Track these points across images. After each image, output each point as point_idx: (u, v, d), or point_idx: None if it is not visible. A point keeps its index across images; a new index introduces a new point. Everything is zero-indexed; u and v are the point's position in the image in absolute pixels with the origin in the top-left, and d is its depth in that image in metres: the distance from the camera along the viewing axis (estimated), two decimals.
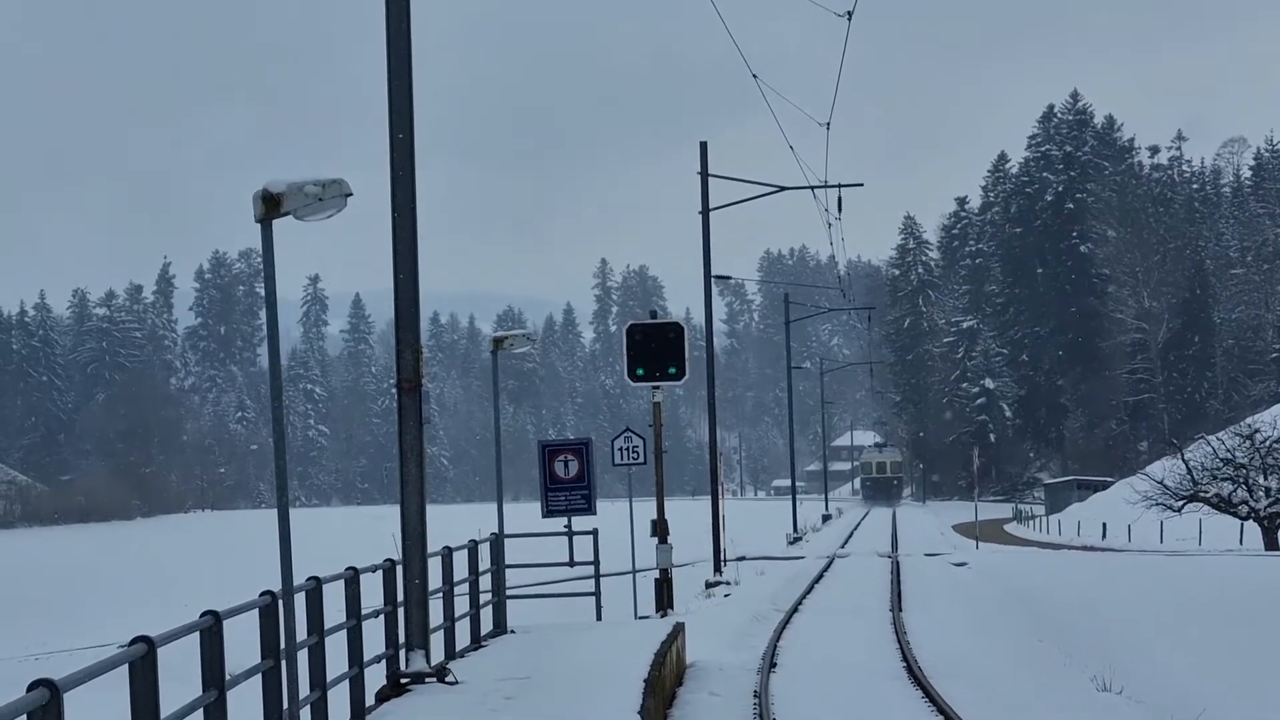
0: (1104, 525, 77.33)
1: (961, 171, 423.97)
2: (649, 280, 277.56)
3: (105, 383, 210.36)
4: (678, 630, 21.63)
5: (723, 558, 44.08)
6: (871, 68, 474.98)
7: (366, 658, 15.06)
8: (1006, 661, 23.28)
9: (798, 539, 73.20)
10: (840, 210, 48.95)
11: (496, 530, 22.85)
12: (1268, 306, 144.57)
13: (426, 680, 16.11)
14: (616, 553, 35.50)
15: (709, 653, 23.84)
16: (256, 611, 11.95)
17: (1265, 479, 59.17)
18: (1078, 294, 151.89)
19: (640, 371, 29.46)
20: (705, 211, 45.17)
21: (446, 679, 16.21)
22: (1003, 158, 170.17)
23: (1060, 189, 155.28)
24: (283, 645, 12.18)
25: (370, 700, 15.32)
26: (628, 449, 31.26)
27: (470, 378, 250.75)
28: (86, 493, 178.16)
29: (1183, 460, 62.74)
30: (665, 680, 18.70)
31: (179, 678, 11.62)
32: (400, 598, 16.46)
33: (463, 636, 20.16)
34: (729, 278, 61.32)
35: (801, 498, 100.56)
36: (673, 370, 29.37)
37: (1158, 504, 62.40)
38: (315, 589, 13.35)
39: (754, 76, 34.49)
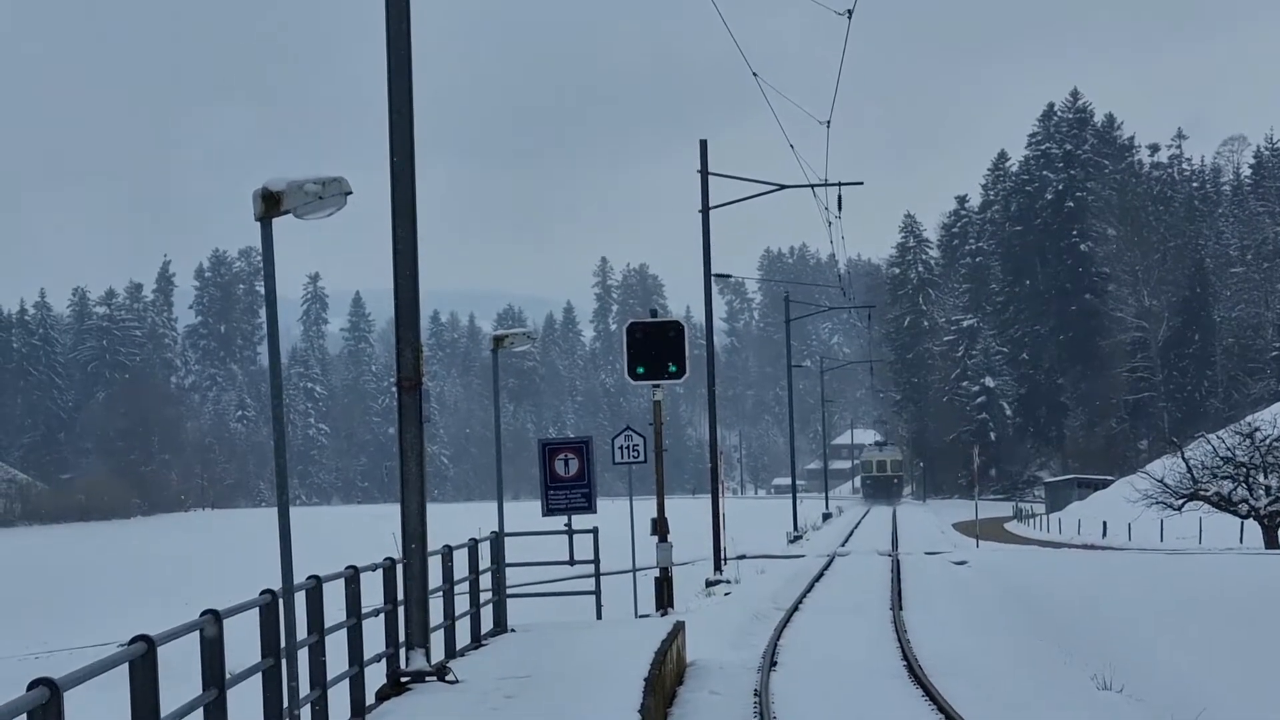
0: (1104, 524, 77.36)
1: (961, 170, 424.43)
2: (649, 279, 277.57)
3: (105, 381, 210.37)
4: (678, 629, 21.63)
5: (723, 556, 44.08)
6: (872, 66, 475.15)
7: (367, 656, 15.06)
8: (1007, 660, 23.27)
9: (798, 537, 73.21)
10: (840, 209, 48.95)
11: (497, 529, 22.85)
12: (1268, 305, 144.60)
13: (427, 679, 16.11)
14: (617, 551, 35.50)
15: (709, 651, 23.84)
16: (257, 610, 11.94)
17: (1265, 477, 59.19)
18: (1078, 292, 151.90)
19: (640, 370, 29.46)
20: (705, 210, 45.16)
21: (447, 678, 16.21)
22: (1003, 156, 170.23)
23: (1060, 187, 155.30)
24: (283, 644, 12.17)
25: (370, 699, 15.31)
26: (628, 447, 31.25)
27: (470, 376, 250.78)
28: (87, 491, 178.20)
29: (1183, 459, 62.76)
30: (665, 679, 18.70)
31: (179, 677, 11.62)
32: (400, 596, 16.46)
33: (463, 635, 20.16)
34: (729, 276, 61.33)
35: (802, 496, 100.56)
36: (673, 369, 29.36)
37: (1158, 502, 62.42)
38: (315, 588, 13.34)
39: (754, 75, 34.49)
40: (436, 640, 17.70)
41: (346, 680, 14.55)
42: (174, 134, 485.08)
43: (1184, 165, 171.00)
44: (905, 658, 23.05)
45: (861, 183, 48.79)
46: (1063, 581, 38.88)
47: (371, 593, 15.46)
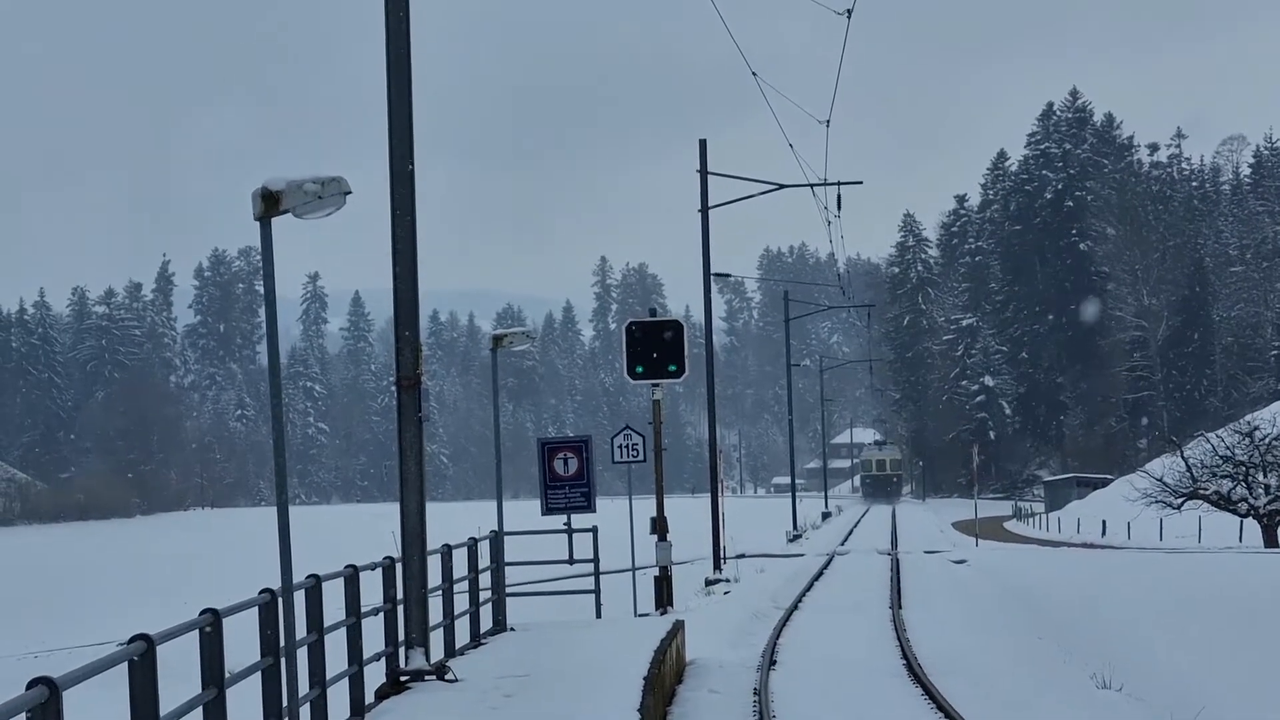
0: (1103, 523, 77.37)
1: (961, 170, 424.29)
2: (648, 278, 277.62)
3: (105, 380, 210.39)
4: (677, 628, 21.64)
5: (722, 555, 44.08)
6: (872, 66, 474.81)
7: (366, 655, 15.06)
8: (1006, 659, 23.28)
9: (797, 536, 73.20)
10: (840, 208, 48.96)
11: (496, 528, 22.85)
12: (1267, 304, 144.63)
13: (426, 678, 16.11)
14: (616, 550, 35.51)
15: (709, 650, 23.84)
16: (256, 609, 11.94)
17: (1264, 476, 59.22)
18: (1077, 291, 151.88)
19: (640, 369, 29.46)
20: (704, 209, 45.18)
21: (446, 677, 16.21)
22: (1002, 155, 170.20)
23: (1060, 187, 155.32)
24: (282, 643, 12.17)
25: (370, 698, 15.32)
26: (627, 446, 31.27)
27: (470, 375, 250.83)
28: (86, 490, 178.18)
29: (1182, 458, 62.79)
30: (665, 678, 18.70)
31: (178, 676, 11.62)
32: (400, 595, 16.47)
33: (462, 634, 20.16)
34: (728, 275, 61.31)
35: (801, 495, 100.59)
36: (672, 368, 29.37)
37: (1157, 501, 62.46)
38: (315, 587, 13.34)
39: (753, 74, 34.51)
40: (436, 639, 17.70)
41: (346, 679, 14.55)
42: (174, 134, 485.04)
43: (1183, 165, 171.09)
44: (904, 656, 23.05)
45: (861, 182, 48.80)
46: (1062, 580, 38.89)
47: (371, 592, 15.46)
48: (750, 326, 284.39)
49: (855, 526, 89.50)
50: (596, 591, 26.61)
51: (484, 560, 21.78)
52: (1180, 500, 61.61)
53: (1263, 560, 44.44)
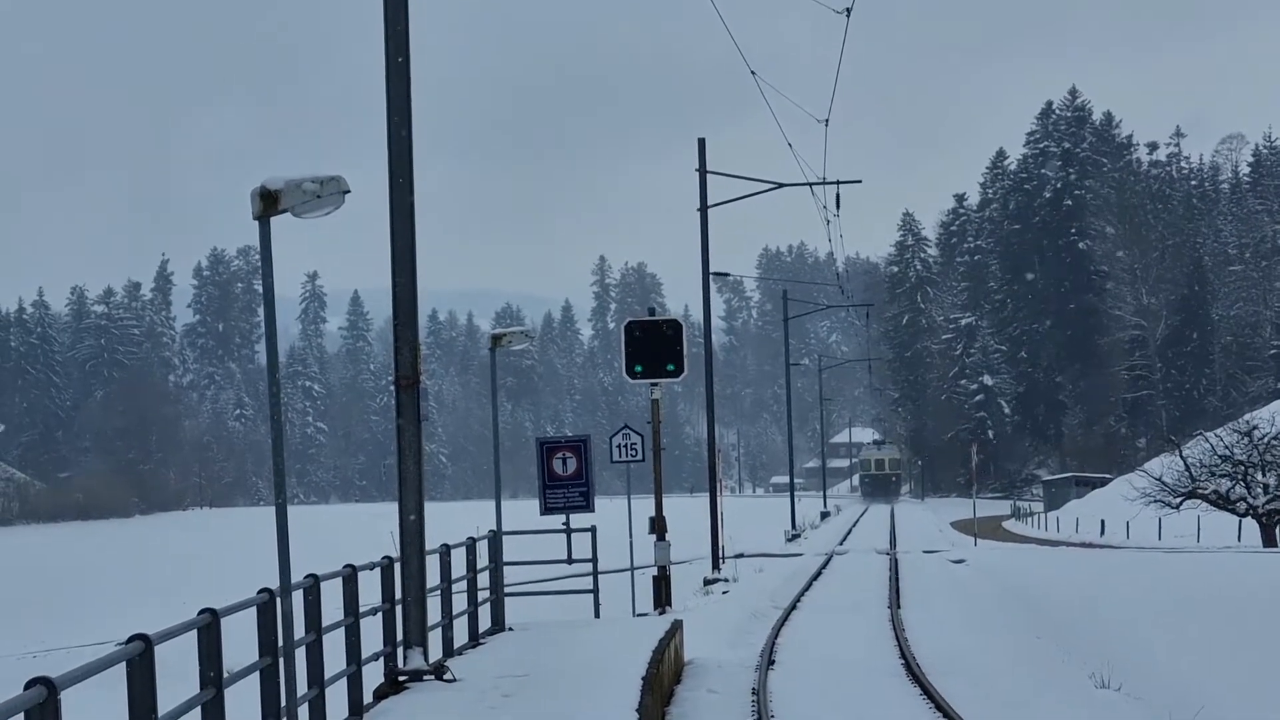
0: (1102, 522, 77.38)
1: (960, 169, 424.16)
2: (647, 277, 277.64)
3: (104, 380, 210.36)
4: (676, 627, 21.64)
5: (721, 555, 44.10)
6: (871, 65, 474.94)
7: (365, 655, 15.05)
8: (1005, 658, 23.27)
9: (796, 536, 73.22)
10: (839, 207, 48.95)
11: (495, 527, 22.85)
12: (1266, 303, 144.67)
13: (425, 678, 16.11)
14: (615, 550, 35.52)
15: (707, 650, 23.84)
16: (254, 609, 11.93)
17: (1263, 476, 59.23)
18: (1076, 291, 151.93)
19: (639, 369, 29.47)
20: (703, 208, 45.19)
21: (445, 677, 16.21)
22: (1001, 154, 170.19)
23: (1059, 186, 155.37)
24: (281, 643, 12.17)
25: (368, 698, 15.31)
26: (626, 446, 31.27)
27: (469, 375, 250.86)
28: (85, 490, 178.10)
29: (1181, 457, 62.80)
30: (663, 678, 18.70)
31: (176, 676, 11.62)
32: (398, 595, 16.47)
33: (461, 634, 20.16)
34: (727, 275, 61.35)
35: (800, 495, 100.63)
36: (671, 367, 29.38)
37: (1156, 501, 62.47)
38: (313, 587, 13.34)
39: (753, 74, 34.53)
40: (434, 639, 17.70)
41: (344, 679, 14.54)
42: (174, 134, 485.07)
43: (1182, 164, 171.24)
44: (903, 656, 23.05)
45: (860, 181, 48.78)
46: (1061, 580, 38.89)
47: (369, 591, 15.46)
48: (749, 326, 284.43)
49: (854, 526, 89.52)
50: (595, 591, 26.61)
51: (483, 560, 21.79)
52: (1179, 500, 61.62)
53: (1261, 560, 44.45)
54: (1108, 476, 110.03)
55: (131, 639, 9.16)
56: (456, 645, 19.43)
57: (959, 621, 29.01)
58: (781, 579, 41.28)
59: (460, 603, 20.27)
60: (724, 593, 37.19)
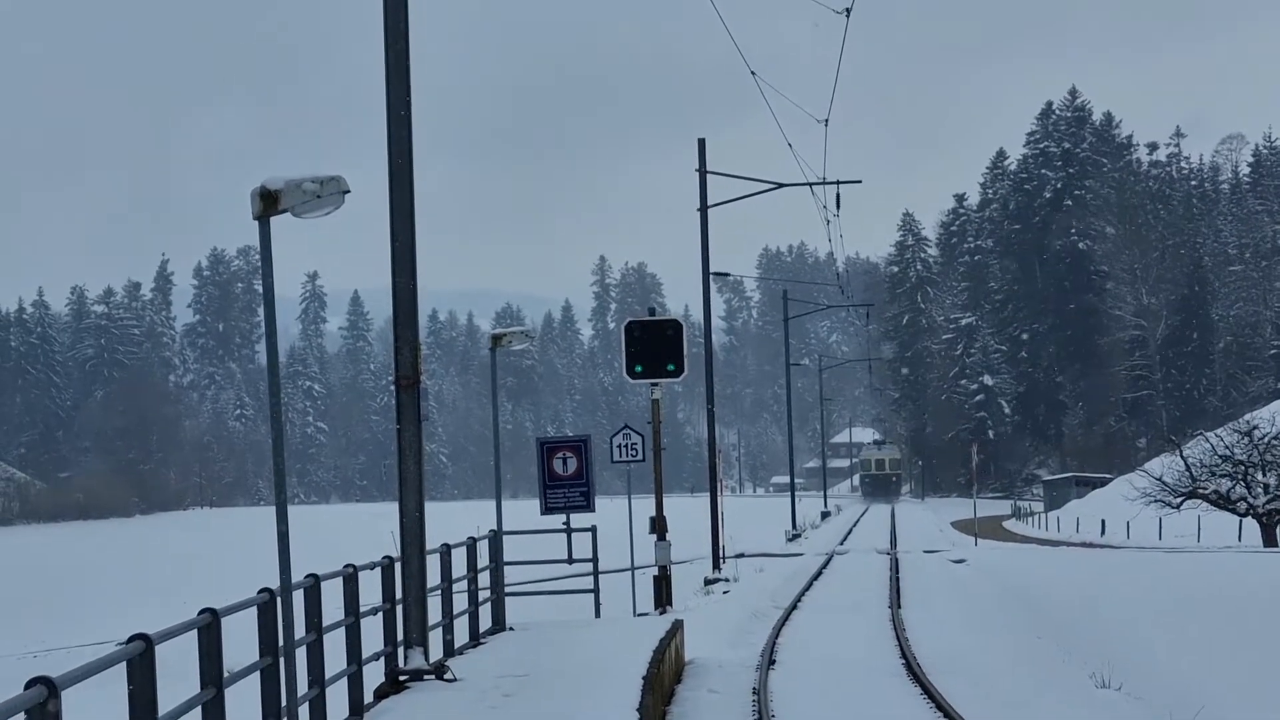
0: (1103, 522, 77.37)
1: (960, 169, 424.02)
2: (648, 277, 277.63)
3: (104, 380, 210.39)
4: (676, 627, 21.63)
5: (721, 555, 44.10)
6: (871, 65, 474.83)
7: (365, 655, 15.05)
8: (1005, 658, 23.27)
9: (796, 536, 73.22)
10: (839, 207, 48.95)
11: (495, 527, 22.85)
12: (1266, 303, 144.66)
13: (425, 678, 16.11)
14: (615, 550, 35.52)
15: (708, 650, 23.84)
16: (255, 609, 11.93)
17: (1264, 476, 59.23)
18: (1076, 291, 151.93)
19: (639, 369, 29.47)
20: (703, 208, 45.19)
21: (445, 676, 16.21)
22: (1001, 154, 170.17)
23: (1059, 186, 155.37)
24: (281, 643, 12.17)
25: (369, 698, 15.31)
26: (626, 446, 31.27)
27: (469, 375, 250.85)
28: (85, 490, 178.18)
29: (1181, 457, 62.79)
30: (664, 677, 18.70)
31: (177, 675, 11.62)
32: (399, 595, 16.46)
33: (461, 634, 20.16)
34: (728, 275, 61.35)
35: (800, 495, 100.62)
36: (671, 367, 29.38)
37: (1156, 501, 62.46)
38: (314, 586, 13.34)
39: (753, 73, 34.53)
40: (435, 639, 17.70)
41: (345, 679, 14.54)
42: (174, 134, 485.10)
43: (1182, 164, 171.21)
44: (904, 656, 23.05)
45: (860, 181, 48.77)
46: (1061, 580, 38.89)
47: (370, 591, 15.46)
48: (749, 326, 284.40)
49: (854, 526, 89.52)
50: (595, 591, 26.60)
51: (483, 560, 21.78)
52: (1179, 499, 61.61)
53: (1262, 559, 44.45)
54: (1108, 476, 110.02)
55: (132, 639, 9.15)
56: (457, 645, 19.43)
57: (959, 621, 29.01)
58: (782, 579, 41.28)
59: (461, 602, 20.27)
60: (724, 592, 37.20)
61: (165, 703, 9.44)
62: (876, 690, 19.81)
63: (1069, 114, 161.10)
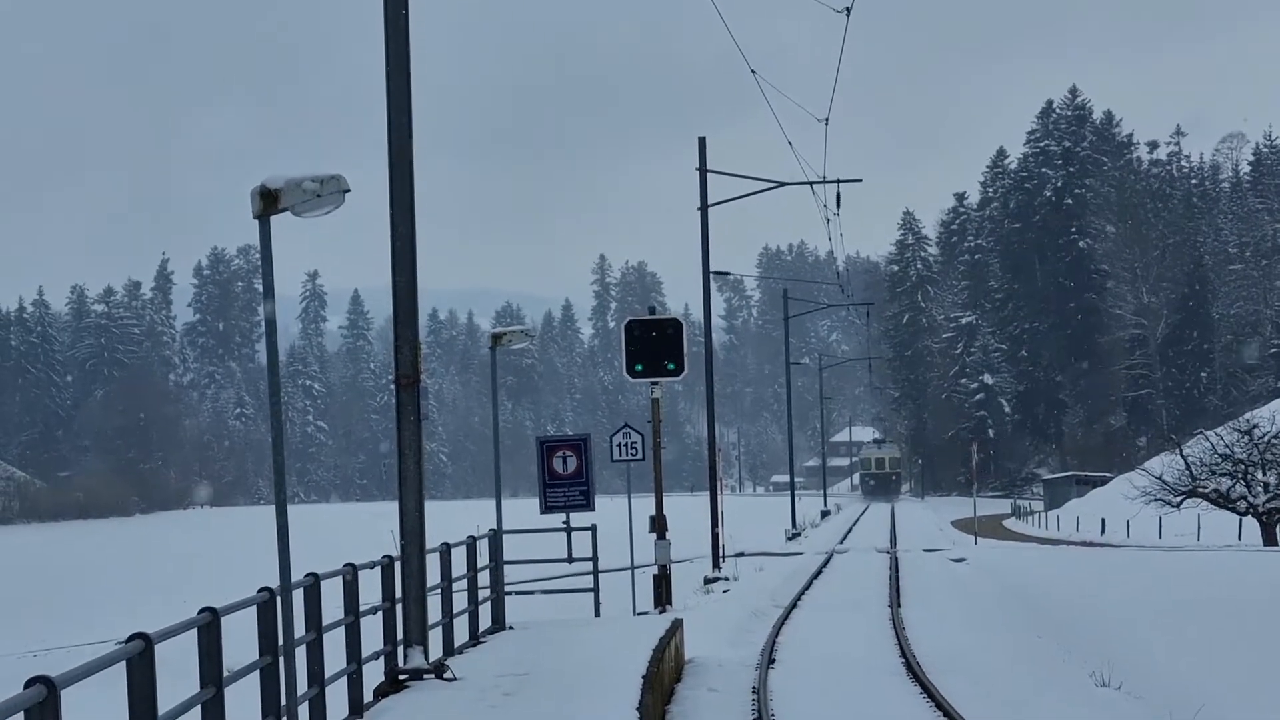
0: (1103, 521, 77.38)
1: (960, 168, 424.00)
2: (648, 276, 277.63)
3: (104, 379, 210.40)
4: (676, 626, 21.63)
5: (721, 554, 44.10)
6: (871, 64, 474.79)
7: (365, 654, 15.05)
8: (1005, 657, 23.28)
9: (796, 535, 73.23)
10: (839, 206, 48.98)
11: (495, 526, 22.85)
12: (1266, 302, 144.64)
13: (425, 677, 16.11)
14: (615, 549, 35.52)
15: (708, 649, 23.84)
16: (254, 608, 11.94)
17: (1264, 474, 59.23)
18: (1077, 289, 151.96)
19: (639, 367, 29.47)
20: (704, 207, 45.19)
21: (445, 675, 16.21)
22: (1001, 153, 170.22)
23: (1059, 184, 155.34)
24: (281, 642, 12.17)
25: (369, 697, 15.31)
26: (626, 445, 31.28)
27: (469, 374, 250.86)
28: (85, 489, 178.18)
29: (1181, 456, 62.80)
30: (664, 676, 18.70)
31: (177, 674, 11.62)
32: (399, 594, 16.46)
33: (461, 633, 20.16)
34: (728, 274, 61.36)
35: (800, 493, 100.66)
36: (671, 366, 29.38)
37: (1156, 499, 62.47)
38: (313, 585, 13.34)
39: (753, 72, 34.55)
40: (435, 638, 17.70)
41: (345, 678, 14.54)
42: (174, 134, 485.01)
43: (1183, 162, 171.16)
44: (904, 655, 23.05)
45: (860, 180, 48.77)
46: (1061, 579, 38.89)
47: (370, 590, 15.46)
48: (749, 325, 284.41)
49: (854, 525, 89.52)
50: (595, 590, 26.61)
51: (483, 559, 21.78)
52: (1179, 498, 61.62)
53: (1262, 558, 44.45)
54: (1108, 475, 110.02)
55: (132, 638, 9.16)
56: (457, 644, 19.43)
57: (959, 620, 29.02)
58: (782, 577, 41.27)
59: (461, 601, 20.27)
60: (724, 591, 37.20)
61: (165, 702, 9.45)
62: (876, 689, 19.82)
63: (1069, 113, 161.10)
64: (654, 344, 29.28)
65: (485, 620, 21.64)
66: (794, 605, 32.46)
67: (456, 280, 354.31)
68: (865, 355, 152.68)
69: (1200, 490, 60.68)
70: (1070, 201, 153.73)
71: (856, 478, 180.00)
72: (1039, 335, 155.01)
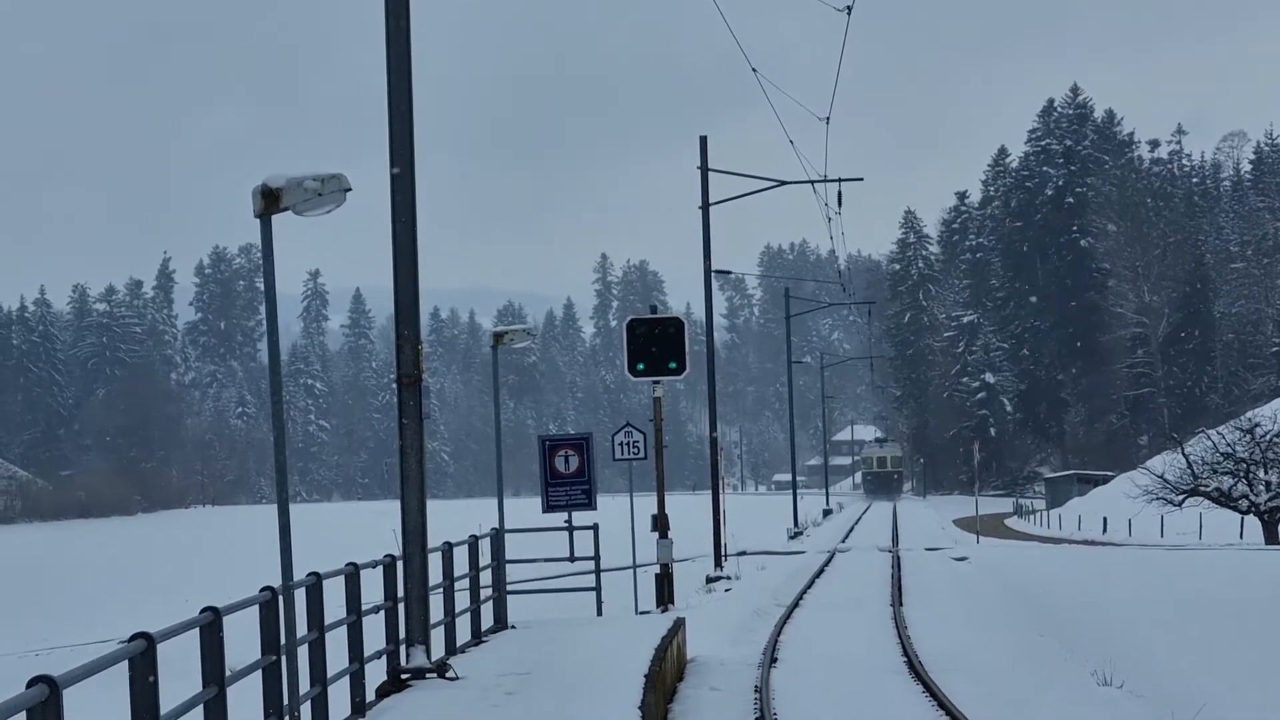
0: (1104, 519, 77.35)
1: (962, 167, 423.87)
2: (649, 275, 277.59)
3: (105, 378, 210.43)
4: (678, 625, 21.63)
5: (723, 553, 44.10)
6: (872, 63, 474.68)
7: (367, 653, 15.05)
8: (1007, 656, 23.27)
9: (798, 534, 73.19)
10: (840, 205, 48.97)
11: (497, 525, 22.84)
12: (1268, 300, 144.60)
13: (427, 676, 16.11)
14: (617, 548, 35.52)
15: (710, 648, 23.84)
16: (257, 607, 11.94)
17: (1265, 473, 59.21)
18: (1078, 288, 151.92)
19: (641, 366, 29.45)
20: (705, 206, 45.18)
21: (447, 674, 16.21)
22: (1003, 152, 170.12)
23: (1060, 183, 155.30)
24: (283, 641, 12.17)
25: (371, 696, 15.31)
26: (628, 444, 31.28)
27: (471, 373, 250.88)
28: (87, 488, 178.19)
29: (1183, 454, 62.77)
30: (666, 675, 18.69)
31: (179, 674, 11.62)
32: (401, 593, 16.46)
33: (463, 632, 20.16)
34: (729, 273, 61.40)
35: (802, 492, 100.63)
36: (673, 365, 29.37)
37: (1158, 498, 62.45)
38: (315, 585, 13.34)
39: (754, 71, 34.54)
40: (437, 637, 17.70)
41: (347, 677, 14.55)
42: (174, 134, 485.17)
43: (1184, 161, 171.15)
44: (906, 654, 23.05)
45: (861, 179, 48.78)
46: (1063, 578, 38.87)
47: (372, 589, 15.46)
48: (751, 323, 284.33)
49: (856, 524, 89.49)
50: (597, 589, 26.61)
51: (485, 558, 21.78)
52: (1181, 497, 61.60)
53: (1263, 557, 44.43)
54: (1110, 474, 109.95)
55: (134, 637, 9.15)
56: (459, 643, 19.44)
57: (961, 619, 29.01)
58: (784, 576, 41.26)
59: (463, 600, 20.27)
60: (726, 590, 37.19)
61: (167, 701, 9.44)
62: (878, 688, 19.81)
63: (1070, 111, 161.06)
64: (656, 343, 29.27)
65: (487, 619, 21.64)
66: (796, 604, 32.45)
67: (458, 279, 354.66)
68: (867, 354, 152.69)
69: (1202, 489, 60.66)
70: (1071, 200, 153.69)
71: (858, 477, 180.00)
72: (1040, 334, 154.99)
